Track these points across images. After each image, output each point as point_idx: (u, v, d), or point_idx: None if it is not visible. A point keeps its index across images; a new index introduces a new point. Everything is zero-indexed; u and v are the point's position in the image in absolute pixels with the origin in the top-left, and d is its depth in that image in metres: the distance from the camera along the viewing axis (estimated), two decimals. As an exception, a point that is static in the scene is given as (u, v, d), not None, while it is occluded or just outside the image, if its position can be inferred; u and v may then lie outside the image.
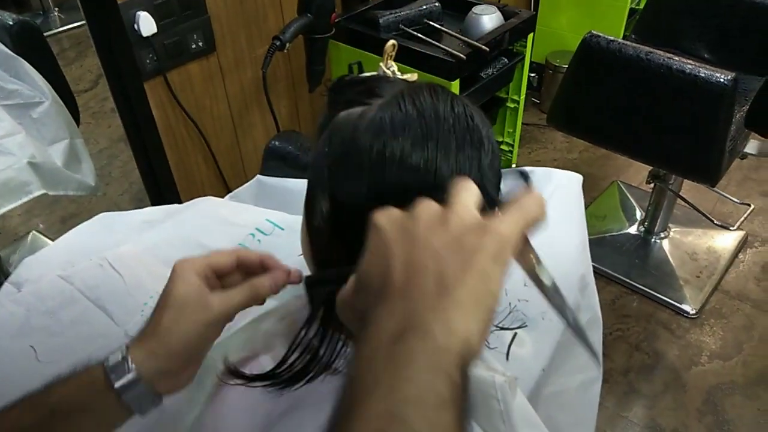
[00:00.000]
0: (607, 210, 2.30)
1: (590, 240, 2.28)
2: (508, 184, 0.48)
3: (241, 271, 0.57)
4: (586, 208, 2.42)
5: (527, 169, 0.77)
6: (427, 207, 0.40)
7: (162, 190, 1.58)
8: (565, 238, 0.67)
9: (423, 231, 0.38)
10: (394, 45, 1.24)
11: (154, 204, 1.54)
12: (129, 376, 0.48)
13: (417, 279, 0.36)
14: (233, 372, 0.57)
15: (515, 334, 0.57)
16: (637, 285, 1.99)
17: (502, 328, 0.58)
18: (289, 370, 0.53)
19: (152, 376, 0.49)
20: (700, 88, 1.45)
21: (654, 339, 1.86)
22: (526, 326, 0.58)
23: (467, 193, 0.41)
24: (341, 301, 0.43)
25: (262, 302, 0.57)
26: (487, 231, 0.38)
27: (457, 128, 0.49)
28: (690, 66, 1.46)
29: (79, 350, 0.71)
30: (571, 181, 0.74)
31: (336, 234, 0.51)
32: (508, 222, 0.39)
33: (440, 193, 0.47)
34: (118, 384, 0.48)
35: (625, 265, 2.06)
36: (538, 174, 0.74)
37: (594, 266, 2.04)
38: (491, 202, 0.53)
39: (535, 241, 0.67)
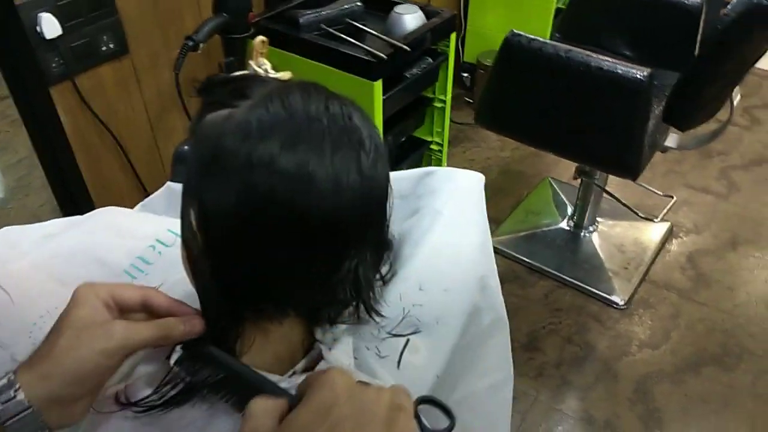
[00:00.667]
0: (539, 206, 2.34)
1: (524, 236, 2.31)
2: (432, 415, 0.49)
3: (146, 311, 0.53)
4: (519, 204, 2.44)
5: (430, 169, 0.76)
6: (384, 400, 0.42)
7: (76, 201, 1.51)
8: (464, 239, 0.66)
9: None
10: (263, 41, 1.18)
11: (69, 216, 1.47)
12: (14, 402, 0.44)
13: None
14: (114, 397, 0.53)
15: (407, 340, 0.56)
16: (569, 279, 2.03)
17: (394, 335, 0.56)
18: (163, 397, 0.50)
19: (42, 403, 0.45)
20: (618, 84, 1.49)
21: (585, 331, 1.90)
22: (419, 332, 0.57)
23: (409, 402, 0.44)
24: None
25: (169, 345, 0.52)
26: None
27: (333, 129, 0.46)
28: (608, 63, 1.49)
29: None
30: (473, 181, 0.73)
31: (205, 246, 0.48)
32: None
33: (315, 200, 0.45)
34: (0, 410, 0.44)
35: (556, 260, 2.10)
36: (440, 174, 0.73)
37: (527, 261, 2.10)
38: (381, 210, 0.51)
39: (431, 243, 0.66)
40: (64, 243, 0.83)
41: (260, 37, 1.15)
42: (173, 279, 0.71)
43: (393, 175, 0.53)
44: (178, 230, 0.84)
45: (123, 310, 0.51)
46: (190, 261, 0.51)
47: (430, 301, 0.59)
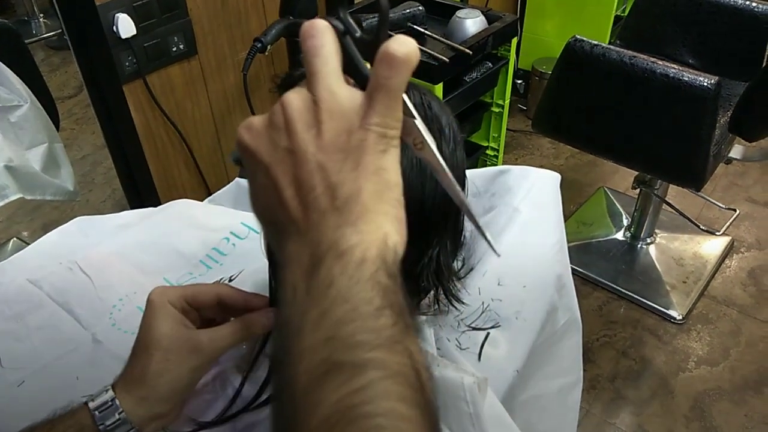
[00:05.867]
0: (593, 216, 2.30)
1: (577, 246, 2.25)
2: None
3: (220, 306, 0.54)
4: (572, 214, 2.39)
5: (505, 167, 0.76)
6: (288, 108, 0.34)
7: (142, 195, 1.56)
8: (541, 238, 0.66)
9: (296, 144, 0.33)
10: None
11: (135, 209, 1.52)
12: (119, 425, 0.47)
13: (311, 202, 0.33)
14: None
15: (488, 334, 0.56)
16: (624, 291, 1.98)
17: (474, 329, 0.56)
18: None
19: (142, 422, 0.48)
20: (684, 92, 1.45)
21: (641, 345, 1.85)
22: (499, 326, 0.57)
23: (326, 67, 0.35)
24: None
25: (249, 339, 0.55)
26: (364, 124, 0.34)
27: None
28: (674, 70, 1.46)
29: (45, 355, 0.69)
30: (549, 180, 0.73)
31: None
32: (380, 105, 0.34)
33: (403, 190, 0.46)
34: None
35: (611, 271, 2.05)
36: (516, 172, 0.73)
37: (581, 272, 2.05)
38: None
39: (510, 240, 0.66)
40: (140, 233, 0.86)
41: None
42: (251, 269, 0.73)
43: (467, 172, 0.53)
44: (252, 223, 0.86)
45: (199, 309, 0.53)
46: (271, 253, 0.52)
47: (509, 296, 0.59)
